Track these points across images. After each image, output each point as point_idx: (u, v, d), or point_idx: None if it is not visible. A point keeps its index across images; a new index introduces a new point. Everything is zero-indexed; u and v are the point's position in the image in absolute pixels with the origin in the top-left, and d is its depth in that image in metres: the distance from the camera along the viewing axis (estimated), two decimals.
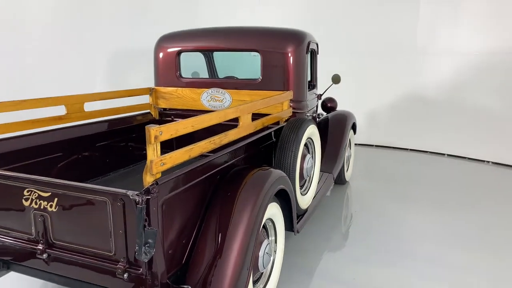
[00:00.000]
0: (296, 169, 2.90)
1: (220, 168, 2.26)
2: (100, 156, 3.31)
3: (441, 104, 6.38)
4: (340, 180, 4.88)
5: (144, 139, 1.64)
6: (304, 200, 3.15)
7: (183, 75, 3.76)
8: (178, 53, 3.66)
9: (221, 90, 3.50)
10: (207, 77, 4.49)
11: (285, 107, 3.29)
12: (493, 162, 5.98)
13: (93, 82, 6.15)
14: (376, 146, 7.00)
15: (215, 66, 4.56)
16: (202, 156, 2.10)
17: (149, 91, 3.73)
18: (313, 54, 4.02)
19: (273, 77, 3.41)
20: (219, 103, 3.54)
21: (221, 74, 4.62)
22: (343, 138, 4.55)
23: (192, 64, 4.60)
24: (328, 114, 4.94)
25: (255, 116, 2.82)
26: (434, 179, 5.35)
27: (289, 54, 3.34)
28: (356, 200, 4.62)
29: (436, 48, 6.32)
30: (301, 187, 3.22)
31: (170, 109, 3.78)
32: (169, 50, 3.68)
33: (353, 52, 6.79)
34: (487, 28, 5.83)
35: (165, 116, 3.80)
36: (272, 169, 2.56)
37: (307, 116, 3.57)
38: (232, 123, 2.43)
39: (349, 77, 6.82)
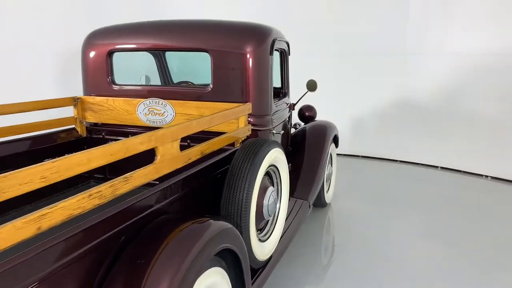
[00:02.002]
0: (251, 210, 2.14)
1: (121, 227, 1.49)
2: None
3: (434, 110, 5.68)
4: (319, 203, 4.14)
5: None
6: (265, 249, 2.39)
7: (117, 81, 2.97)
8: (109, 53, 2.88)
9: (161, 101, 2.72)
10: (159, 83, 3.72)
11: (242, 124, 2.53)
12: (492, 177, 5.31)
13: (41, 87, 5.30)
14: (362, 157, 6.28)
15: (167, 69, 3.78)
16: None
17: (73, 101, 2.93)
18: (283, 55, 3.27)
19: (228, 84, 2.65)
20: (159, 118, 2.77)
21: (177, 78, 3.85)
22: (322, 155, 3.81)
23: (141, 66, 3.82)
24: (306, 125, 4.20)
25: (204, 135, 2.12)
26: (427, 197, 4.64)
27: (248, 55, 2.58)
28: (338, 228, 3.88)
29: (427, 49, 5.62)
30: (260, 231, 2.47)
31: (102, 124, 2.99)
32: (99, 49, 2.89)
33: (335, 53, 6.06)
34: (483, 27, 5.15)
35: (95, 132, 3.00)
36: (211, 220, 1.80)
37: (272, 133, 2.82)
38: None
39: (331, 81, 6.12)
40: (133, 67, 3.69)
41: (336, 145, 4.41)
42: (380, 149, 6.14)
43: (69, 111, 2.95)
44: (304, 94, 3.71)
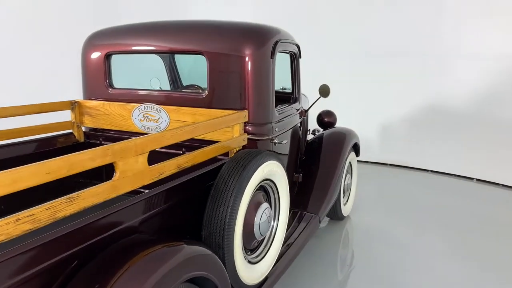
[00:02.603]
0: (235, 230, 1.92)
1: (72, 251, 1.33)
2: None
3: (469, 118, 5.23)
4: (335, 216, 3.87)
5: None
6: (255, 272, 2.17)
7: (127, 84, 2.84)
8: (107, 55, 2.75)
9: (155, 106, 2.56)
10: (169, 88, 3.57)
11: (236, 133, 2.32)
12: None
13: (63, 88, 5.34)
14: (391, 165, 5.90)
15: (177, 72, 3.64)
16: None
17: (71, 105, 2.83)
18: (293, 58, 3.04)
19: (225, 90, 2.45)
20: (153, 124, 2.61)
21: (188, 82, 3.69)
22: (338, 164, 3.54)
23: (153, 68, 3.69)
24: (323, 132, 3.93)
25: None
26: (460, 213, 4.24)
27: (246, 59, 2.36)
28: (355, 246, 3.59)
29: (463, 51, 5.18)
30: (251, 251, 2.25)
31: (100, 130, 2.87)
32: (96, 51, 2.77)
33: (361, 54, 5.72)
34: None
35: (93, 138, 2.89)
36: (184, 244, 1.61)
37: (274, 143, 2.59)
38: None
39: (358, 85, 5.79)
40: (145, 69, 3.57)
41: (357, 154, 4.11)
42: (410, 158, 5.74)
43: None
44: (317, 100, 3.45)
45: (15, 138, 2.58)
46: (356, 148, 4.04)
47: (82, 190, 1.36)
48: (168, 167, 1.74)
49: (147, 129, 2.63)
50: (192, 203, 1.97)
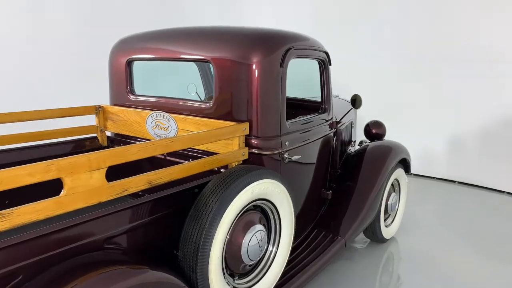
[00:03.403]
0: (211, 253, 1.77)
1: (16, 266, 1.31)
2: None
3: None
4: (374, 237, 3.51)
5: None
6: None
7: (137, 91, 2.85)
8: (128, 62, 2.76)
9: (165, 114, 2.51)
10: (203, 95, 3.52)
11: (235, 146, 2.17)
12: None
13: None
14: (459, 183, 5.26)
15: (211, 79, 3.57)
16: None
17: (95, 110, 2.90)
18: (322, 66, 2.80)
19: (230, 100, 2.31)
20: (164, 132, 2.56)
21: None
22: (377, 182, 3.20)
23: (189, 74, 3.67)
24: (366, 144, 3.61)
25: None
26: None
27: (253, 67, 2.20)
28: (394, 279, 3.21)
29: None
30: (241, 276, 2.07)
31: (121, 135, 2.91)
32: (120, 58, 2.80)
33: (430, 60, 5.18)
34: None
35: (117, 143, 2.93)
36: (145, 269, 1.53)
37: (283, 158, 2.38)
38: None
39: (425, 90, 5.27)
40: (183, 75, 3.57)
41: (407, 171, 3.70)
42: (482, 176, 5.06)
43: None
44: (348, 111, 3.15)
45: (39, 141, 2.70)
46: (405, 165, 3.65)
47: (19, 206, 1.32)
48: (135, 183, 1.66)
49: (158, 137, 2.59)
50: (174, 219, 1.87)
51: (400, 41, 5.35)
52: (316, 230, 2.95)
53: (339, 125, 3.23)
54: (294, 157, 2.39)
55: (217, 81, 2.31)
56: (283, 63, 2.27)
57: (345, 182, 3.27)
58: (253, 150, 2.27)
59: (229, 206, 1.82)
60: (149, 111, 2.60)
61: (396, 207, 3.67)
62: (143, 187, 1.69)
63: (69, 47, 4.85)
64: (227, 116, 2.31)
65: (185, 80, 3.05)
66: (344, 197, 3.16)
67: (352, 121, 3.87)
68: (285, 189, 2.14)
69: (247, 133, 2.20)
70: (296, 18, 5.94)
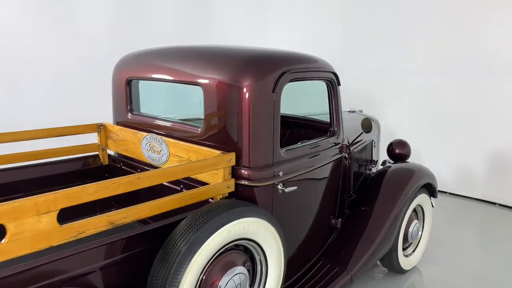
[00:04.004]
0: None
1: None
2: None
3: None
4: (391, 267, 3.22)
5: None
6: None
7: (137, 110, 2.77)
8: (128, 81, 2.69)
9: (158, 137, 2.40)
10: None
11: (219, 178, 2.02)
12: None
13: None
14: (500, 205, 4.79)
15: None
16: None
17: (97, 128, 2.85)
18: (330, 86, 2.59)
19: (220, 126, 2.16)
20: (157, 156, 2.45)
21: None
22: (393, 209, 2.95)
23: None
24: (389, 166, 3.34)
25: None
26: None
27: (243, 92, 2.04)
28: None
29: None
30: None
31: (122, 155, 2.84)
32: (121, 76, 2.74)
33: (466, 72, 4.77)
34: None
35: (118, 162, 2.87)
36: None
37: (276, 189, 2.20)
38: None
39: (460, 103, 4.86)
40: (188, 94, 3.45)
41: (433, 195, 3.39)
42: None
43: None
44: (359, 135, 2.90)
45: (40, 159, 2.70)
46: (431, 190, 3.34)
47: None
48: (93, 225, 1.55)
49: (152, 160, 2.49)
50: (146, 259, 1.75)
51: (434, 51, 4.96)
52: (322, 262, 2.74)
53: (352, 147, 2.99)
54: (288, 189, 2.20)
55: (206, 106, 2.17)
56: (275, 88, 2.09)
57: (359, 208, 3.03)
58: (243, 181, 2.10)
59: (200, 249, 1.67)
60: (144, 133, 2.51)
61: (419, 235, 3.37)
62: (103, 229, 1.58)
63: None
64: (217, 142, 2.17)
65: (187, 100, 2.94)
66: (356, 225, 2.93)
67: (373, 140, 3.60)
68: (272, 227, 1.97)
69: (233, 163, 2.04)
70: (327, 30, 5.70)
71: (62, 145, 2.78)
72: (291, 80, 2.21)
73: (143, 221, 2.11)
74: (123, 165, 2.81)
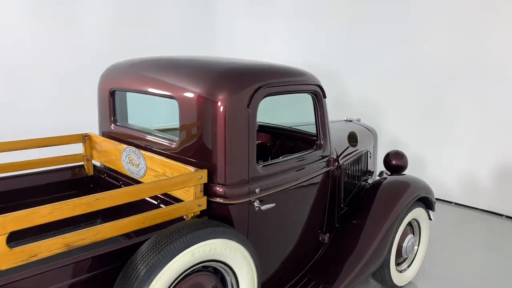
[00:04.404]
0: None
1: None
2: None
3: None
4: (383, 282, 3.11)
5: None
6: None
7: (121, 121, 2.73)
8: (111, 92, 2.66)
9: (136, 151, 2.36)
10: None
11: (190, 196, 1.96)
12: None
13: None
14: (507, 217, 4.61)
15: None
16: None
17: (82, 138, 2.83)
18: (315, 99, 2.51)
19: (195, 140, 2.10)
20: (135, 169, 2.41)
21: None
22: (385, 223, 2.86)
23: None
24: (383, 178, 3.24)
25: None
26: None
27: (216, 106, 1.98)
28: None
29: None
30: None
31: (106, 166, 2.81)
32: (105, 86, 2.70)
33: (470, 75, 4.61)
34: None
35: (102, 173, 2.84)
36: None
37: (253, 206, 2.12)
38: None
39: (467, 110, 4.70)
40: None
41: (431, 208, 3.27)
42: None
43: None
44: (347, 148, 2.81)
45: (25, 170, 2.68)
46: (427, 204, 3.22)
47: None
48: (47, 247, 1.51)
49: (131, 173, 2.45)
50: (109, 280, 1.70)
51: (439, 55, 4.81)
52: (307, 279, 2.66)
53: (344, 159, 2.90)
54: (264, 207, 2.12)
55: (181, 119, 2.12)
56: (250, 102, 2.02)
57: (350, 222, 2.94)
58: (217, 199, 2.04)
59: (160, 273, 1.62)
60: (124, 145, 2.47)
61: (415, 250, 3.25)
62: (58, 251, 1.54)
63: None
64: (192, 157, 2.11)
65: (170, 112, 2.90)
66: (345, 239, 2.83)
67: (368, 151, 3.49)
68: (242, 247, 1.90)
69: (205, 181, 1.98)
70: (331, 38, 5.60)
71: (48, 155, 2.78)
72: (269, 95, 2.13)
73: (127, 234, 2.07)
74: (107, 176, 2.78)
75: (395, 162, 3.40)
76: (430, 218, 3.31)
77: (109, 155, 2.65)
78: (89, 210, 1.59)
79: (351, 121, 3.78)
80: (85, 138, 2.82)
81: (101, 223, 2.79)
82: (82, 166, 2.88)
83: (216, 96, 1.98)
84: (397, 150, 3.45)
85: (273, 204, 2.18)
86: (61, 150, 2.85)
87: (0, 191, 2.56)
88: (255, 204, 2.12)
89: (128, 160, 2.45)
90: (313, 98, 2.50)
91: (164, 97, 2.19)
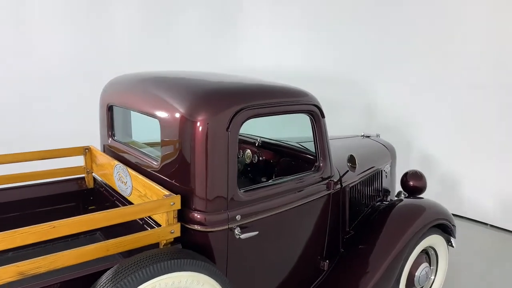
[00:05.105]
0: None
1: None
2: None
3: None
4: None
5: None
6: None
7: (118, 136, 2.70)
8: (108, 106, 2.64)
9: (124, 168, 2.31)
10: None
11: (163, 222, 1.87)
12: None
13: None
14: None
15: None
16: None
17: (83, 151, 2.83)
18: (313, 119, 2.34)
19: (174, 163, 2.01)
20: (124, 187, 2.36)
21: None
22: (393, 250, 2.65)
23: None
24: (398, 200, 3.02)
25: None
26: None
27: (197, 125, 1.88)
28: None
29: None
30: None
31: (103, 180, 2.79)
32: (104, 100, 2.69)
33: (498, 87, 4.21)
34: None
35: (101, 186, 2.82)
36: None
37: (237, 235, 2.00)
38: None
39: (502, 124, 4.31)
40: None
41: (451, 235, 3.00)
42: None
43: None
44: (346, 173, 2.60)
45: (26, 181, 2.72)
46: (447, 231, 2.95)
47: None
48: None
49: (121, 190, 2.41)
50: None
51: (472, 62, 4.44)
52: None
53: (347, 182, 2.70)
54: (244, 235, 1.99)
55: (162, 139, 2.04)
56: (230, 126, 1.90)
57: (355, 247, 2.75)
58: (194, 226, 1.94)
59: None
60: (116, 161, 2.44)
61: (431, 280, 2.99)
62: (10, 280, 1.50)
63: None
64: (172, 179, 2.03)
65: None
66: (347, 267, 2.65)
67: (383, 170, 3.26)
68: (213, 280, 1.78)
69: (178, 207, 1.88)
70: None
71: (49, 167, 2.81)
72: (253, 116, 2.00)
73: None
74: (105, 190, 2.76)
75: (413, 183, 3.15)
76: (451, 245, 3.04)
77: (104, 169, 2.63)
78: (44, 239, 1.54)
79: (368, 136, 3.55)
80: (86, 151, 2.82)
81: (101, 235, 2.82)
82: (83, 178, 2.88)
83: (194, 116, 1.88)
84: (416, 170, 3.19)
85: (256, 232, 2.04)
86: (65, 162, 2.88)
87: (2, 202, 2.60)
88: (236, 231, 2.00)
89: (118, 177, 2.41)
90: (310, 119, 2.33)
91: (147, 115, 2.12)
